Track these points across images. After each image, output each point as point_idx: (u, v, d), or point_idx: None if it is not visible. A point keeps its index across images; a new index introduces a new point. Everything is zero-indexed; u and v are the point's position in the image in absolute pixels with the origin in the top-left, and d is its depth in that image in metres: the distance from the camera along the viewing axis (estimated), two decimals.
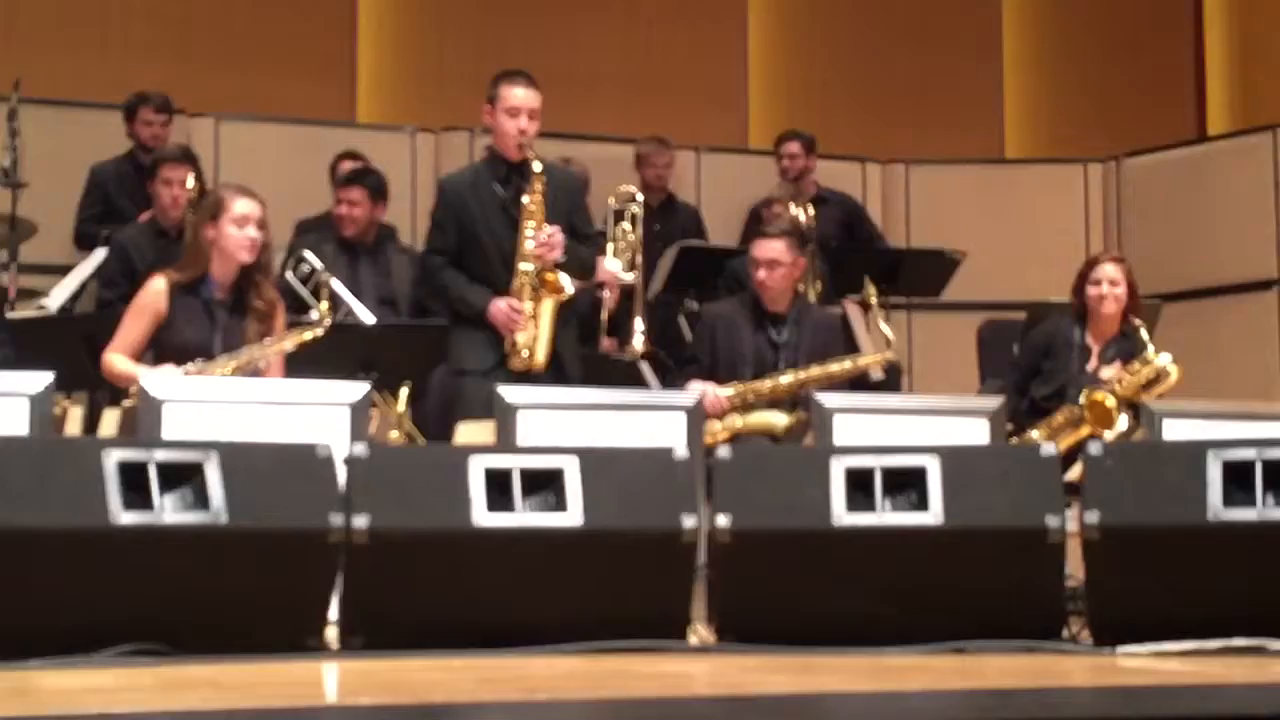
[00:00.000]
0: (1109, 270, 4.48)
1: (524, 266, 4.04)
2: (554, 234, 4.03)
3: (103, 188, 5.51)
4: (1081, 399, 4.30)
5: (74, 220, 5.50)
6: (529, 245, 4.04)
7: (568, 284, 4.02)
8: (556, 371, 4.06)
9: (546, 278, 4.02)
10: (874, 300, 4.60)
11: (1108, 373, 4.42)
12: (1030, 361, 4.59)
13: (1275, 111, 6.86)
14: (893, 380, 5.25)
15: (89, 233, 5.41)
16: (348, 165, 5.50)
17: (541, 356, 4.01)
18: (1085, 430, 4.20)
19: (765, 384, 4.31)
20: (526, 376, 3.94)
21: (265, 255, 3.92)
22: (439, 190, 4.31)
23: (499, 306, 4.02)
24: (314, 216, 5.54)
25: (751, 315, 4.44)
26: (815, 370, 4.31)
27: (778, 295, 4.44)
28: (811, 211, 5.72)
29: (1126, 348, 4.46)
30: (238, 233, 3.83)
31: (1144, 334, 4.39)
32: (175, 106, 5.64)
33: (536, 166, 4.05)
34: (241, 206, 3.85)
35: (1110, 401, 4.26)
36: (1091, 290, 4.47)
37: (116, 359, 3.86)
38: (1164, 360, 4.32)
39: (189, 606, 2.72)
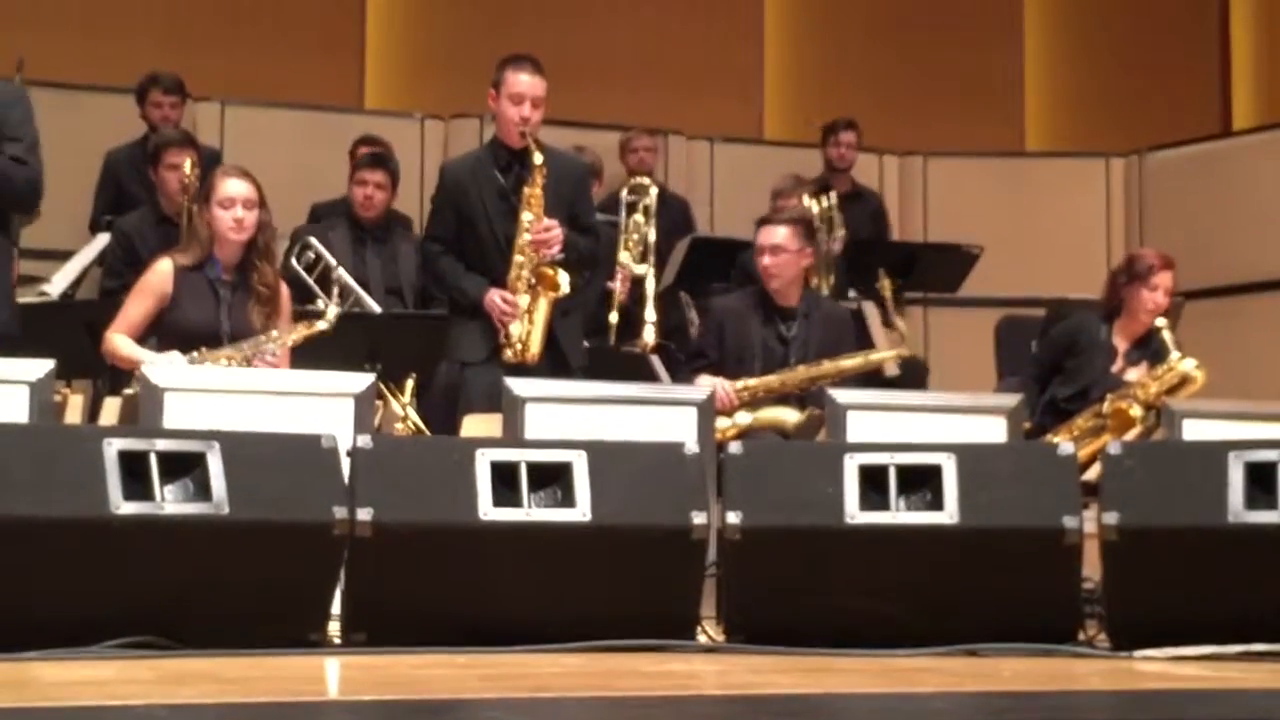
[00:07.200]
0: (1168, 279, 4.34)
1: (520, 259, 3.98)
2: (552, 227, 3.97)
3: (114, 174, 5.46)
4: (1106, 407, 4.23)
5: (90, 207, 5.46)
6: (526, 238, 3.97)
7: (564, 281, 3.94)
8: (558, 361, 4.01)
9: (544, 273, 3.95)
10: (888, 294, 4.55)
11: (1133, 375, 4.35)
12: (1052, 357, 4.50)
13: None
14: (918, 378, 5.19)
15: (100, 220, 5.37)
16: (364, 150, 5.46)
17: (535, 349, 3.96)
18: (1107, 438, 4.13)
19: (775, 379, 4.25)
20: (522, 368, 3.89)
21: (264, 236, 3.88)
22: (439, 175, 4.27)
23: (492, 298, 3.97)
24: (328, 201, 5.49)
25: (761, 309, 4.35)
26: (827, 365, 4.25)
27: (785, 286, 4.34)
28: (826, 203, 5.66)
29: (1151, 349, 4.38)
30: (223, 214, 3.84)
31: (1168, 336, 4.31)
32: (186, 88, 5.59)
33: (537, 158, 3.98)
34: (227, 188, 3.85)
35: (1135, 410, 4.18)
36: (1146, 294, 4.33)
37: (119, 339, 3.82)
38: (1189, 365, 4.25)
39: (189, 599, 2.69)
